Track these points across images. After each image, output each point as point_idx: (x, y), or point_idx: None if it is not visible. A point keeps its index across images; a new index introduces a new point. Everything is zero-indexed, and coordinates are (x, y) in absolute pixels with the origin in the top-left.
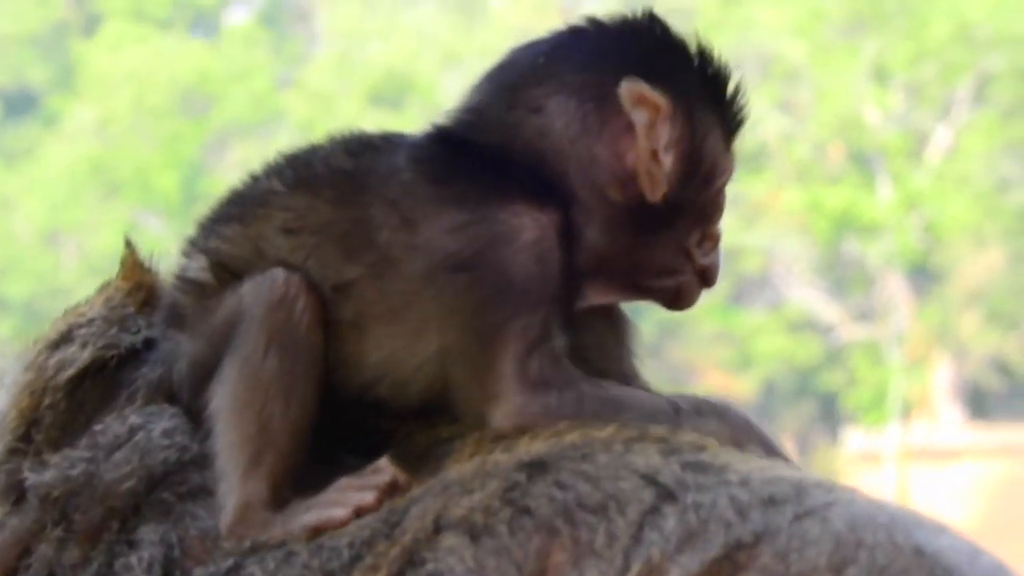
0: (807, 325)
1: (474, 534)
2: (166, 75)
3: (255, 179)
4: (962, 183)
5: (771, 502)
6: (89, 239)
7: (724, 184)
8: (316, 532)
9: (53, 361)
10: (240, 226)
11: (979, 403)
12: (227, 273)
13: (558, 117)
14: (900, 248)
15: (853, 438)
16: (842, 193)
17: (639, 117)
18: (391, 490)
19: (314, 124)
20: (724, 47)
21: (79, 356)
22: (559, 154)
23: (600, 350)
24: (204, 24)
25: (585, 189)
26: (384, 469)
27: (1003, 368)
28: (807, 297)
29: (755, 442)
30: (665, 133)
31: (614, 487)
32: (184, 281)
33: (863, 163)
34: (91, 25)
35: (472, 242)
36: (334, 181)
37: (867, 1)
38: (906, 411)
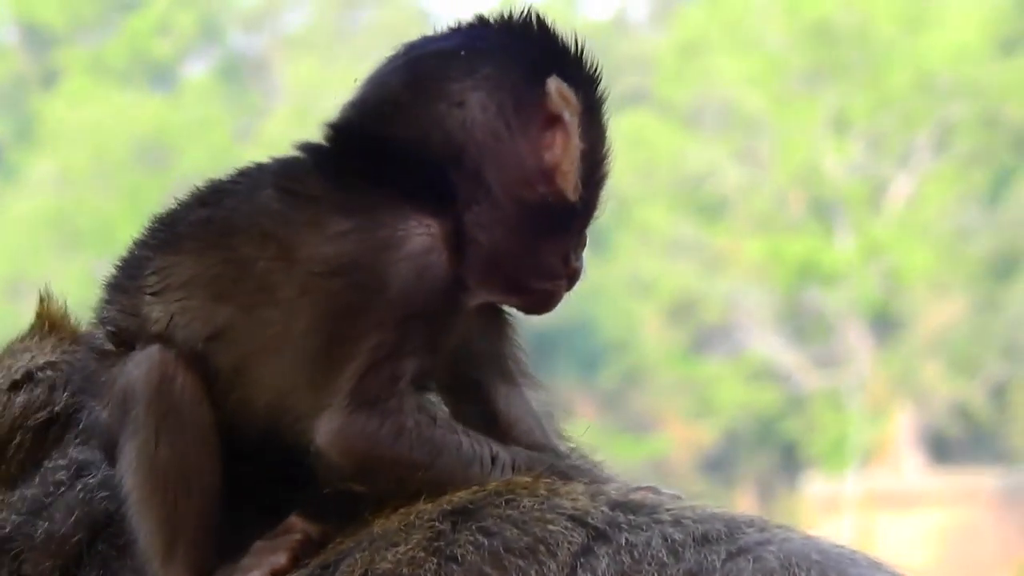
0: (768, 373)
1: None
2: (125, 128)
3: (134, 245)
4: (923, 231)
5: (705, 541)
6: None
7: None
8: None
9: (19, 401)
10: (124, 295)
11: (941, 449)
12: (122, 343)
13: (480, 111)
14: (861, 296)
15: (814, 485)
16: (802, 242)
17: (567, 114)
18: (303, 546)
19: None
20: (684, 97)
21: (52, 399)
22: (478, 148)
23: (484, 346)
24: (163, 78)
25: (497, 186)
26: (294, 526)
27: (964, 414)
28: (768, 345)
29: None
30: (577, 131)
31: (542, 530)
32: (92, 349)
33: (823, 212)
34: (50, 79)
35: (354, 247)
36: (194, 234)
37: (827, 51)
38: (867, 458)
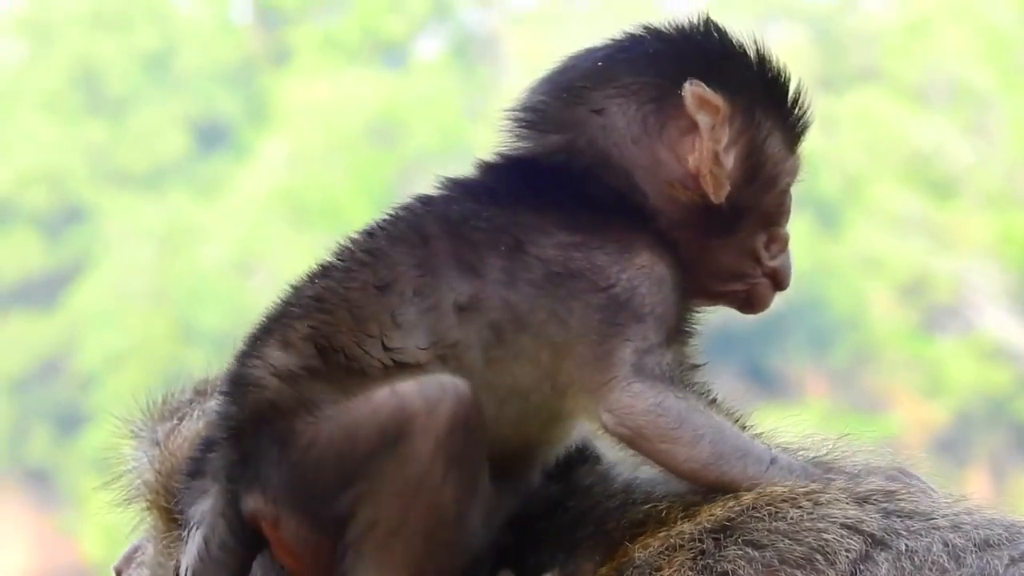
0: (1000, 352)
1: None
2: (356, 106)
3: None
4: None
5: (986, 546)
6: (280, 268)
7: (788, 186)
8: None
9: None
10: (352, 317)
11: None
12: (341, 364)
13: (619, 118)
14: None
15: None
16: None
17: (702, 118)
18: None
19: None
20: (913, 74)
21: None
22: (622, 154)
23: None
24: (394, 56)
25: (652, 190)
26: None
27: None
28: (1000, 324)
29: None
30: (725, 134)
31: (817, 539)
32: (256, 400)
33: None
34: (282, 57)
35: (586, 257)
36: (439, 251)
37: None
38: None
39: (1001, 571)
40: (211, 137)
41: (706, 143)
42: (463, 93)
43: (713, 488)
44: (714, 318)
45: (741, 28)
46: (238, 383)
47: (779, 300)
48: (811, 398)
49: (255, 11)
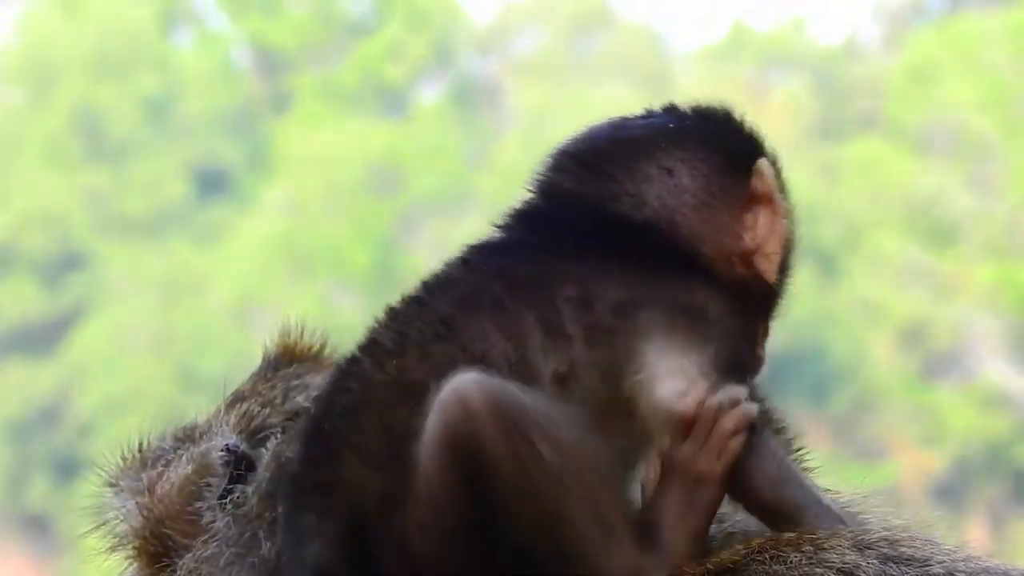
0: (999, 399)
1: None
2: (357, 153)
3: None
4: None
5: None
6: (281, 315)
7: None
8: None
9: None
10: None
11: None
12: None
13: (690, 180)
14: None
15: None
16: None
17: (766, 198)
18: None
19: (504, 201)
20: (915, 121)
21: None
22: (687, 216)
23: None
24: (394, 103)
25: (711, 256)
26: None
27: None
28: (999, 371)
29: None
30: (781, 217)
31: None
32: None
33: None
34: (282, 103)
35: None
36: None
37: None
38: None
39: None
40: (212, 184)
41: (766, 222)
42: (464, 140)
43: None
44: None
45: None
46: (323, 489)
47: (777, 347)
48: (811, 446)
49: (254, 56)
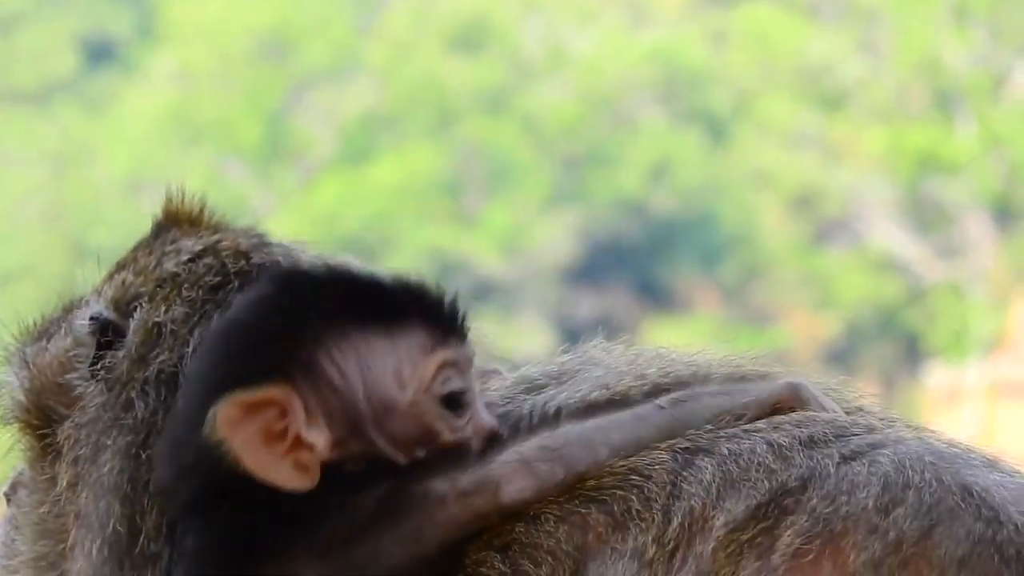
0: (889, 265)
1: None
2: (246, 23)
3: None
4: None
5: (811, 443)
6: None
7: (425, 390)
8: None
9: (200, 266)
10: None
11: None
12: None
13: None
14: (982, 187)
15: (936, 376)
16: (923, 133)
17: (254, 425)
18: None
19: (393, 71)
20: None
21: (224, 270)
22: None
23: None
24: None
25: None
26: None
27: None
28: (889, 237)
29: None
30: (300, 415)
31: (633, 460)
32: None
33: (944, 102)
34: None
35: None
36: None
37: None
38: (989, 348)
39: (832, 470)
40: (100, 54)
41: (279, 446)
42: (353, 10)
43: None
44: (604, 232)
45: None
46: None
47: (667, 215)
48: (702, 312)
49: None
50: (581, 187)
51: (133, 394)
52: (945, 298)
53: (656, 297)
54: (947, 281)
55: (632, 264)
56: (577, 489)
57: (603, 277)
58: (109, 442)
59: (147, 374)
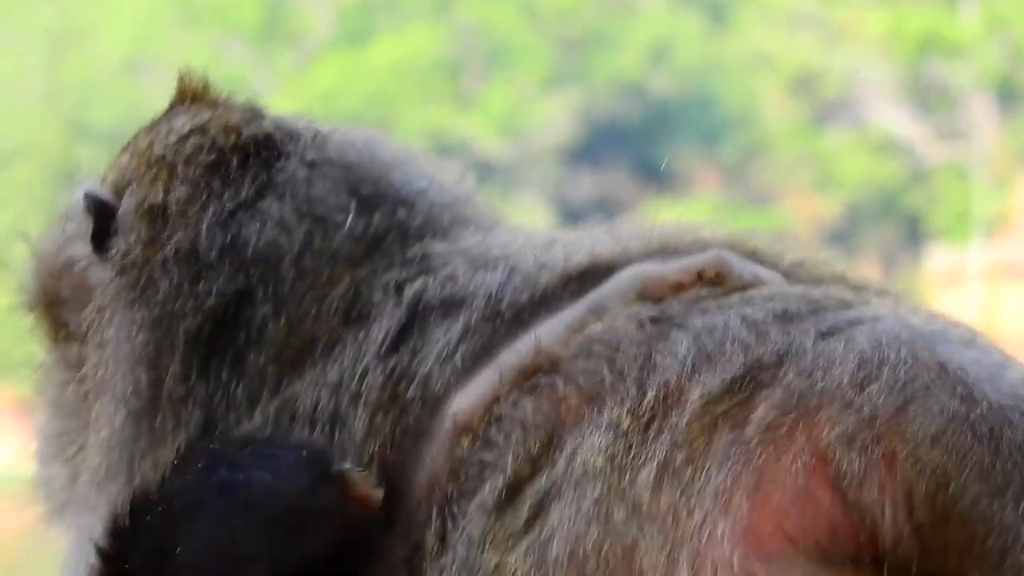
0: (890, 146)
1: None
2: None
3: None
4: None
5: (786, 318)
6: (169, 66)
7: None
8: None
9: (190, 144)
10: None
11: None
12: None
13: None
14: (985, 68)
15: (937, 257)
16: (925, 14)
17: None
18: None
19: None
20: None
21: (216, 147)
22: None
23: None
24: None
25: None
26: None
27: None
28: (890, 118)
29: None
30: None
31: (592, 329)
32: None
33: None
34: None
35: None
36: None
37: None
38: (990, 229)
39: (809, 346)
40: None
41: None
42: None
43: None
44: (603, 113)
45: None
46: None
47: (666, 96)
48: (701, 192)
49: None
50: (580, 68)
51: (155, 274)
52: (947, 180)
53: (655, 177)
54: (949, 163)
55: (630, 144)
56: (535, 367)
57: (602, 158)
58: (135, 317)
59: (165, 254)
